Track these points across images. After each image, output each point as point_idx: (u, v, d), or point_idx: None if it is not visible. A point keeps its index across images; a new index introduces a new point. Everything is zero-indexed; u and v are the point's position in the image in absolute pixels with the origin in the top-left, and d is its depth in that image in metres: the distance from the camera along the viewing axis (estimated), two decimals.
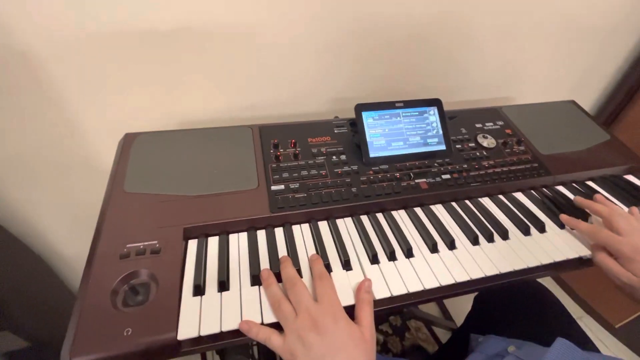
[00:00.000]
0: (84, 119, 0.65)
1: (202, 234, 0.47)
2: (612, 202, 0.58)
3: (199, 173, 0.52)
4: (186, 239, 0.46)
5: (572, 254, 0.49)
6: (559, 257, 0.48)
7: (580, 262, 0.50)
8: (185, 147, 0.55)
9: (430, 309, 1.22)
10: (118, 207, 0.46)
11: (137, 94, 0.64)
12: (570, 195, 0.60)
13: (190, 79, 0.65)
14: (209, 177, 0.52)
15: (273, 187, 0.52)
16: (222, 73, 0.66)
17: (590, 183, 0.64)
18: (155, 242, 0.43)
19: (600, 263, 0.47)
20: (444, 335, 1.13)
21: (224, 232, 0.47)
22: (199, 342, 0.37)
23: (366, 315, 0.38)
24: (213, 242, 0.46)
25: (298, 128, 0.61)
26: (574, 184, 0.63)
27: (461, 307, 1.09)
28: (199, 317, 0.37)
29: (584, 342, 0.54)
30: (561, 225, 0.54)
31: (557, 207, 0.57)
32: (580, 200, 0.55)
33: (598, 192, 0.61)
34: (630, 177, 0.66)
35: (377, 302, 0.42)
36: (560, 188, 0.62)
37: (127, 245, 0.43)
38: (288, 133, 0.60)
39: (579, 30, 0.86)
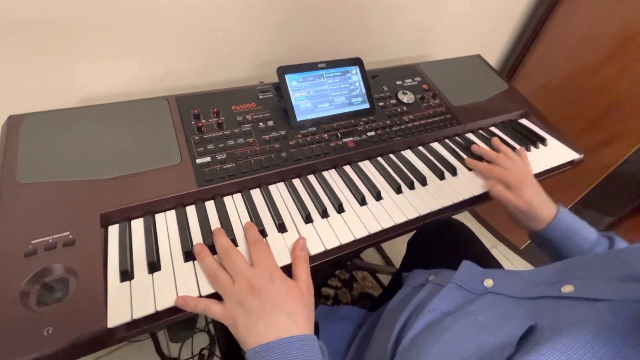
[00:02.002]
0: None
1: (124, 218, 0.43)
2: (509, 143, 0.68)
3: (110, 153, 0.47)
4: (105, 225, 0.42)
5: (479, 191, 0.57)
6: (468, 195, 0.56)
7: (485, 197, 0.58)
8: (90, 126, 0.49)
9: (374, 258, 1.33)
10: (12, 201, 0.40)
11: (18, 69, 0.54)
12: (477, 141, 0.68)
13: (86, 47, 0.56)
14: (123, 157, 0.47)
15: (198, 160, 0.49)
16: (126, 38, 0.58)
17: (493, 128, 0.73)
18: (67, 233, 0.39)
19: (495, 194, 0.56)
20: (387, 280, 1.25)
21: (148, 213, 0.45)
22: (135, 326, 0.36)
23: (302, 271, 0.40)
24: (137, 225, 0.43)
25: (220, 96, 0.58)
26: (480, 131, 0.71)
27: (399, 253, 1.21)
28: (130, 301, 0.36)
29: (496, 266, 0.65)
30: (469, 168, 0.61)
31: (466, 153, 0.64)
32: (475, 148, 0.63)
33: (499, 137, 0.70)
34: (524, 121, 0.77)
35: (314, 257, 0.44)
36: (470, 135, 0.70)
37: (32, 242, 0.38)
38: (209, 102, 0.56)
39: None
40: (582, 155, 0.68)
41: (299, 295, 0.37)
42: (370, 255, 1.34)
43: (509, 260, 1.40)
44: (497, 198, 0.56)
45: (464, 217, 1.46)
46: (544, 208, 0.52)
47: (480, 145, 0.64)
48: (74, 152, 0.46)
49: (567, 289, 0.29)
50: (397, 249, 1.33)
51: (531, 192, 0.53)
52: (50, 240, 0.38)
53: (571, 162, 0.68)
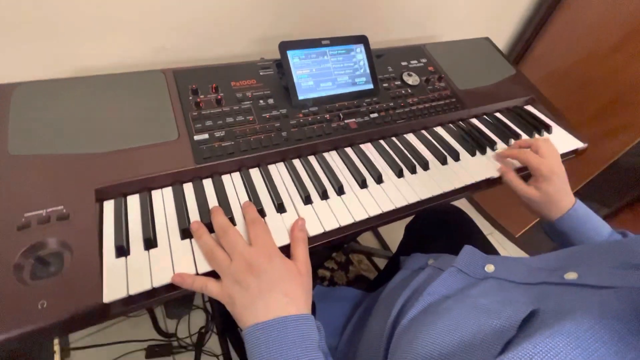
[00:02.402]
0: None
1: (119, 194, 0.42)
2: (514, 130, 0.67)
3: (105, 127, 0.46)
4: (100, 200, 0.41)
5: (480, 177, 0.56)
6: (470, 181, 0.55)
7: (486, 184, 0.57)
8: (84, 98, 0.47)
9: (370, 242, 1.34)
10: (4, 173, 0.39)
11: (9, 37, 0.52)
12: (481, 126, 0.67)
13: (81, 16, 0.54)
14: (119, 131, 0.46)
15: (196, 137, 0.48)
16: (123, 8, 0.56)
17: (497, 114, 0.71)
18: (61, 207, 0.38)
19: (509, 181, 0.55)
20: (383, 264, 1.26)
21: (144, 189, 0.44)
22: (131, 302, 0.36)
23: (300, 252, 0.39)
24: (133, 201, 0.42)
25: (219, 71, 0.56)
26: (485, 116, 0.70)
27: (396, 237, 1.21)
28: (126, 277, 0.35)
29: (493, 253, 0.65)
30: (472, 154, 0.60)
31: (471, 138, 0.63)
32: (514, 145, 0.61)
33: (504, 123, 0.69)
34: (529, 107, 0.75)
35: (312, 239, 0.44)
36: (474, 120, 0.68)
37: (25, 215, 0.37)
38: (208, 77, 0.54)
39: None
40: (586, 145, 0.68)
41: (297, 275, 0.37)
42: (366, 239, 1.34)
43: (504, 247, 1.41)
44: (509, 185, 0.55)
45: (461, 204, 1.47)
46: (562, 199, 0.51)
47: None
48: (67, 125, 0.44)
49: (571, 275, 0.29)
50: (393, 233, 1.34)
51: (558, 183, 0.51)
52: (44, 214, 0.37)
53: (575, 151, 0.67)
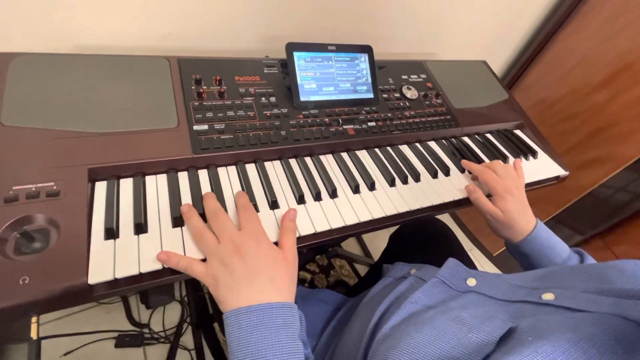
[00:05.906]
0: None
1: (113, 176, 0.42)
2: (502, 151, 0.69)
3: (104, 107, 0.45)
4: (92, 180, 0.41)
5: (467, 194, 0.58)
6: (459, 196, 0.57)
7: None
8: (85, 76, 0.47)
9: (353, 248, 1.35)
10: None
11: (10, 7, 0.50)
12: (473, 145, 0.69)
13: None
14: (118, 113, 0.45)
15: (195, 127, 0.48)
16: None
17: (488, 135, 0.74)
18: (52, 183, 0.38)
19: (475, 200, 0.56)
20: (364, 271, 1.28)
21: (139, 174, 0.43)
22: (115, 286, 0.35)
23: (289, 240, 0.40)
24: (126, 184, 0.42)
25: (224, 64, 0.56)
26: (476, 136, 0.73)
27: (379, 245, 1.23)
28: (114, 260, 0.35)
29: (472, 268, 0.67)
30: (462, 170, 0.62)
31: (461, 155, 0.65)
32: (465, 163, 0.62)
33: (494, 144, 0.71)
34: (518, 132, 0.78)
35: (302, 238, 0.44)
36: (466, 139, 0.71)
37: (14, 188, 0.36)
38: (212, 69, 0.54)
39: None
40: (568, 172, 0.71)
41: (284, 262, 0.37)
42: (350, 245, 1.35)
43: (482, 265, 1.45)
44: (475, 204, 0.56)
45: (443, 218, 1.50)
46: (522, 221, 0.53)
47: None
48: (66, 101, 0.44)
49: (548, 296, 0.31)
50: (376, 241, 1.36)
51: (514, 203, 0.53)
52: (34, 189, 0.37)
53: (557, 178, 0.71)
